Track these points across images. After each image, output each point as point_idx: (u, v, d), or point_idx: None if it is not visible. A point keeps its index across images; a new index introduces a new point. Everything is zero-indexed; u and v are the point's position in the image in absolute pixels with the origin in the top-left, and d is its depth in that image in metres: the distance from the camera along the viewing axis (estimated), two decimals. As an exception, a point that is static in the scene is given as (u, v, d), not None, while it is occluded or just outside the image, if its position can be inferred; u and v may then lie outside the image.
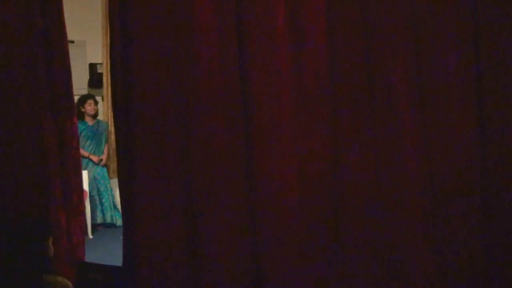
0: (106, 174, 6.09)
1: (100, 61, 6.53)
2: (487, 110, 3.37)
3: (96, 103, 6.07)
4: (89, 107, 6.00)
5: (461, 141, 3.34)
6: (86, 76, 6.53)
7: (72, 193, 2.82)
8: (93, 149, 6.01)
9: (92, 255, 4.45)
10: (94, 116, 6.08)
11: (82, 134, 5.92)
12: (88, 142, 5.98)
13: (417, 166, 3.30)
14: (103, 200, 6.00)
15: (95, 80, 6.52)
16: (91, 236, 5.61)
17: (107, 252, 4.97)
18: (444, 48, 3.35)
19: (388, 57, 3.30)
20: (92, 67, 6.51)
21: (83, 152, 5.89)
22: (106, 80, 6.51)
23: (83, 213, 2.88)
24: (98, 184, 5.98)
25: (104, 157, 6.12)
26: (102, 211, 5.99)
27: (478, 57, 3.36)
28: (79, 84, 6.40)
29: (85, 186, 5.60)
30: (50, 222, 2.64)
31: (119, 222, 6.06)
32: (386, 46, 3.30)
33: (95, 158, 5.94)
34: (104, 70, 6.51)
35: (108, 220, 6.05)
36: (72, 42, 6.31)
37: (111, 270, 3.28)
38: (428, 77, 3.34)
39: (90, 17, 6.41)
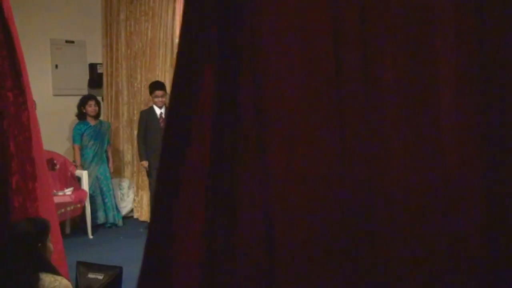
0: (108, 174, 6.05)
1: (100, 61, 6.52)
2: (489, 110, 3.34)
3: (97, 103, 5.99)
4: (90, 108, 5.91)
5: (462, 141, 3.32)
6: (86, 76, 6.51)
7: (28, 180, 2.96)
8: (96, 149, 5.97)
9: (92, 255, 4.45)
10: (96, 116, 6.02)
11: (84, 135, 5.90)
12: (91, 142, 5.94)
13: (413, 167, 3.28)
14: (106, 200, 5.97)
15: (95, 80, 6.50)
16: (91, 236, 5.59)
17: (107, 252, 4.96)
18: (444, 45, 3.33)
19: (386, 54, 3.28)
20: (92, 67, 6.49)
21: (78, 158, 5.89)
22: (106, 80, 6.51)
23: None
24: (101, 184, 5.95)
25: (110, 164, 6.12)
26: (105, 211, 5.96)
27: (482, 56, 3.31)
28: (79, 84, 6.42)
29: (86, 186, 5.60)
30: (48, 221, 2.62)
31: (120, 222, 6.08)
32: (385, 44, 3.28)
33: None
34: (104, 70, 6.50)
35: (111, 220, 6.01)
36: (72, 42, 6.34)
37: (111, 270, 3.27)
38: (427, 75, 3.32)
39: (90, 17, 6.42)
